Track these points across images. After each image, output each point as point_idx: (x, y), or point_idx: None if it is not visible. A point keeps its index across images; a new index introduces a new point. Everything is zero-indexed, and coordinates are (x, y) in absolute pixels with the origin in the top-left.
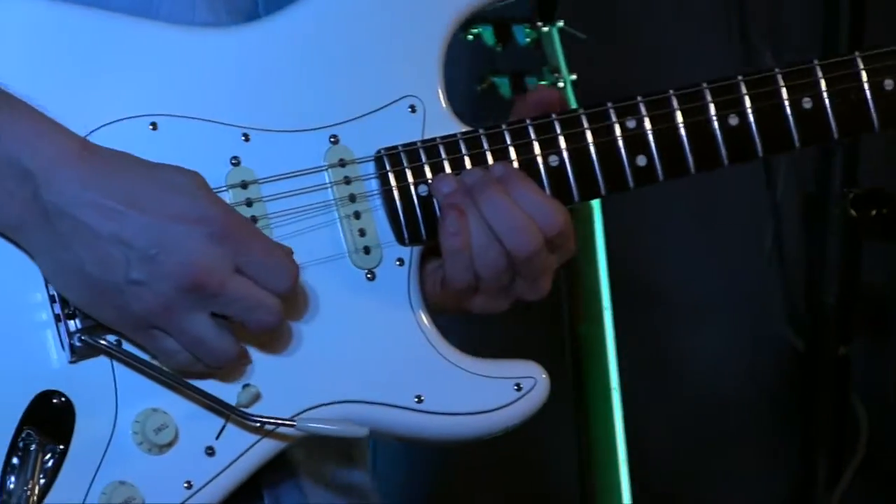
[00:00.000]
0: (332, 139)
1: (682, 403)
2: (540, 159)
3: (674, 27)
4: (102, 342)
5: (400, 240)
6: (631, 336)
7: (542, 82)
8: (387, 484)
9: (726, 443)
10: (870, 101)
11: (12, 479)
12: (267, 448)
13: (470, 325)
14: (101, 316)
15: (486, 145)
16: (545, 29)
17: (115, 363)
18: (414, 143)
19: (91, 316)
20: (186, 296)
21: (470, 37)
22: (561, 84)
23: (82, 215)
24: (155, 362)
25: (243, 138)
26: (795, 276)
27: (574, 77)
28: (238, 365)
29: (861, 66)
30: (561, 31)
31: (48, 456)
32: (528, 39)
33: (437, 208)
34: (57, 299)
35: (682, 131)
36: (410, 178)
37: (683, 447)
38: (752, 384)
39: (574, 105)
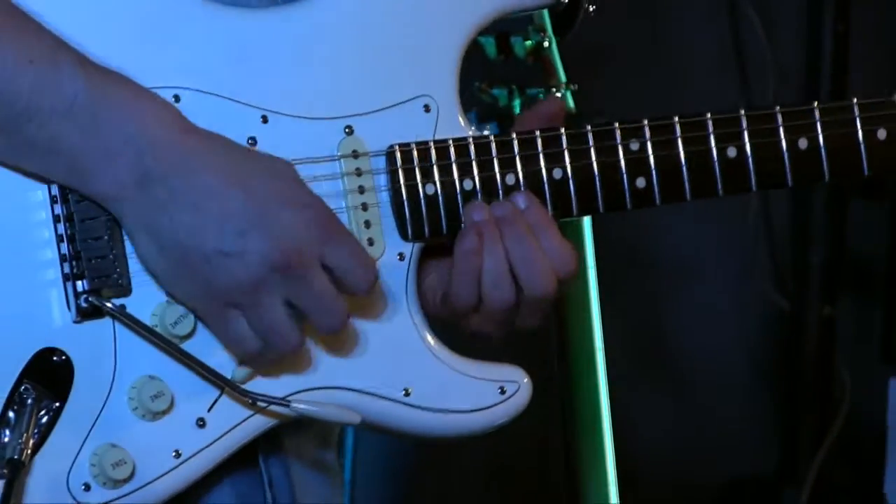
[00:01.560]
0: (346, 130)
1: (666, 364)
2: (544, 172)
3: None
4: (108, 304)
5: (403, 235)
6: (617, 298)
7: (527, 42)
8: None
9: (710, 403)
10: (862, 148)
11: (7, 431)
12: (256, 425)
13: None
14: (180, 288)
15: (494, 152)
16: None
17: (118, 328)
18: (426, 142)
19: (168, 288)
20: (273, 275)
21: None
22: (546, 43)
23: (183, 183)
24: (156, 329)
25: (262, 120)
26: (781, 236)
27: (558, 38)
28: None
29: (857, 113)
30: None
31: (43, 412)
32: (524, 52)
33: (462, 228)
34: (67, 257)
35: (682, 158)
36: (419, 177)
37: (667, 407)
38: (737, 345)
39: (558, 60)
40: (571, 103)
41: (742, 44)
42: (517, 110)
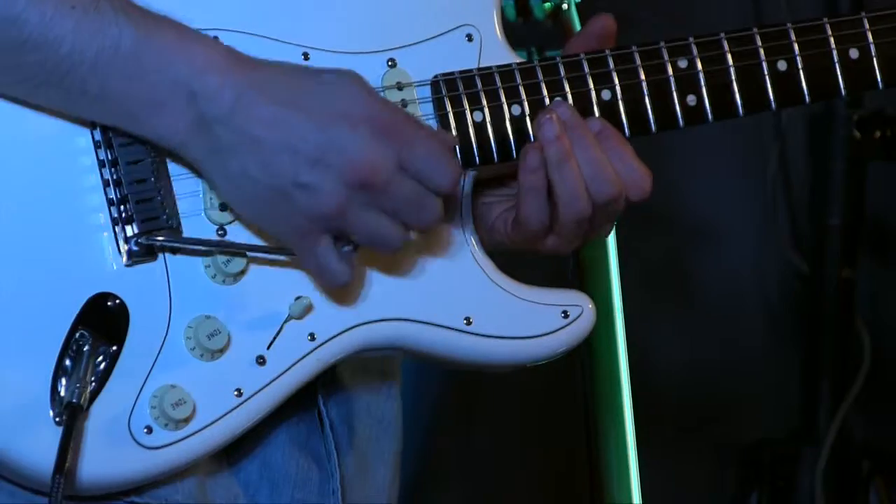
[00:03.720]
0: (389, 62)
1: (686, 326)
2: (593, 93)
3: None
4: (160, 239)
5: None
6: (636, 259)
7: (546, 4)
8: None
9: (730, 364)
10: None
11: (64, 380)
12: (316, 361)
13: None
14: (271, 226)
15: (540, 76)
16: None
17: (171, 269)
18: (470, 71)
19: (261, 228)
20: (356, 193)
21: None
22: (565, 6)
23: (243, 123)
24: (219, 238)
25: (303, 57)
26: (800, 198)
27: None
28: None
29: None
30: None
31: (100, 358)
32: (544, 14)
33: (529, 145)
34: (114, 201)
35: (733, 74)
36: (466, 104)
37: (687, 368)
38: (757, 307)
39: (578, 26)
40: (576, 15)
41: None
42: None
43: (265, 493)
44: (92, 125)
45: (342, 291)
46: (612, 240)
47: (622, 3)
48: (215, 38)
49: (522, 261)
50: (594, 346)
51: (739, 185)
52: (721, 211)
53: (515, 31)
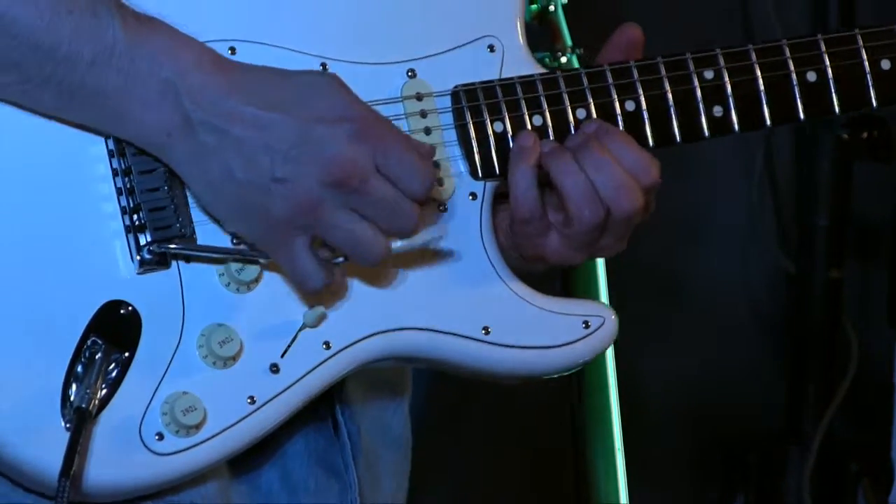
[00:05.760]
0: (409, 73)
1: (673, 327)
2: (616, 104)
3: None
4: (172, 246)
5: (474, 174)
6: (623, 260)
7: (534, 6)
8: None
9: (716, 365)
10: None
11: (75, 385)
12: (331, 369)
13: None
14: (245, 227)
15: (563, 87)
16: None
17: (185, 277)
18: (491, 81)
19: (234, 229)
20: (331, 191)
21: None
22: (552, 7)
23: (225, 123)
24: (233, 246)
25: (321, 67)
26: (787, 198)
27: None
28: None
29: None
30: None
31: (112, 365)
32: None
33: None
34: (127, 209)
35: (761, 85)
36: (486, 115)
37: (674, 369)
38: (744, 308)
39: (565, 28)
40: (577, 66)
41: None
42: None
43: (285, 501)
44: (106, 133)
45: (358, 301)
46: None
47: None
48: (231, 48)
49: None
50: None
51: (726, 186)
52: (707, 212)
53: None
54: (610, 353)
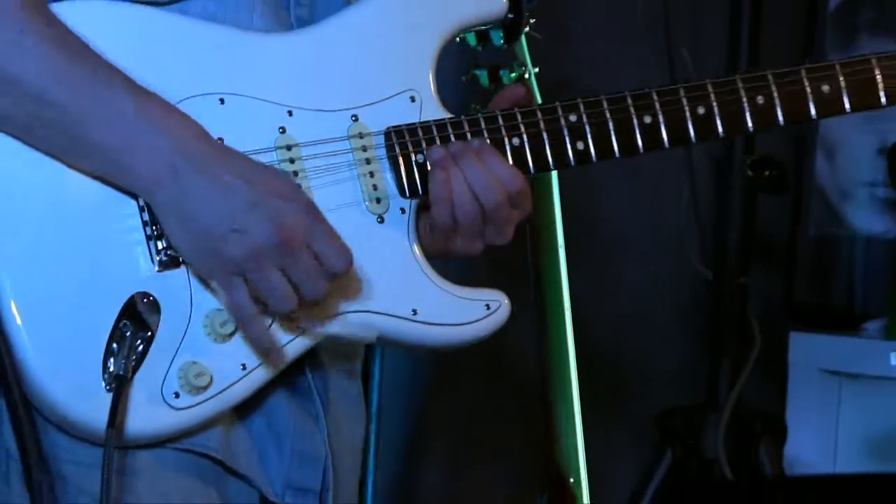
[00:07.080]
0: (353, 118)
1: (617, 319)
2: (506, 139)
3: (604, 29)
4: (181, 256)
5: (402, 194)
6: (580, 265)
7: (512, 74)
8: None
9: (648, 350)
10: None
11: (112, 358)
12: (301, 344)
13: (459, 263)
14: (200, 262)
15: (466, 127)
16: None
17: (191, 275)
18: (414, 124)
19: (191, 262)
20: (274, 249)
21: (457, 39)
22: (526, 76)
23: (205, 178)
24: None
25: (288, 113)
26: (706, 220)
27: (536, 70)
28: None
29: (804, 74)
30: (527, 35)
31: (139, 342)
32: (502, 41)
33: (429, 169)
34: (148, 223)
35: (611, 126)
36: (411, 148)
37: (617, 352)
38: (671, 306)
39: (537, 92)
40: (535, 83)
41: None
42: None
43: (272, 442)
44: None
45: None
46: (561, 251)
47: (563, 70)
48: (220, 98)
49: (496, 269)
50: (549, 332)
51: (660, 211)
52: (645, 232)
53: (488, 94)
54: (570, 336)
